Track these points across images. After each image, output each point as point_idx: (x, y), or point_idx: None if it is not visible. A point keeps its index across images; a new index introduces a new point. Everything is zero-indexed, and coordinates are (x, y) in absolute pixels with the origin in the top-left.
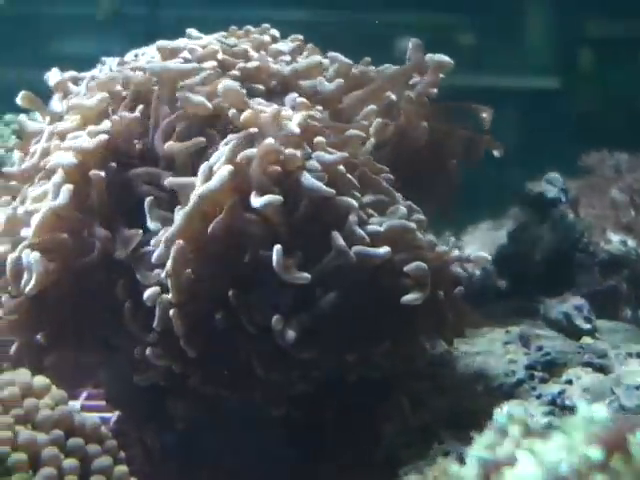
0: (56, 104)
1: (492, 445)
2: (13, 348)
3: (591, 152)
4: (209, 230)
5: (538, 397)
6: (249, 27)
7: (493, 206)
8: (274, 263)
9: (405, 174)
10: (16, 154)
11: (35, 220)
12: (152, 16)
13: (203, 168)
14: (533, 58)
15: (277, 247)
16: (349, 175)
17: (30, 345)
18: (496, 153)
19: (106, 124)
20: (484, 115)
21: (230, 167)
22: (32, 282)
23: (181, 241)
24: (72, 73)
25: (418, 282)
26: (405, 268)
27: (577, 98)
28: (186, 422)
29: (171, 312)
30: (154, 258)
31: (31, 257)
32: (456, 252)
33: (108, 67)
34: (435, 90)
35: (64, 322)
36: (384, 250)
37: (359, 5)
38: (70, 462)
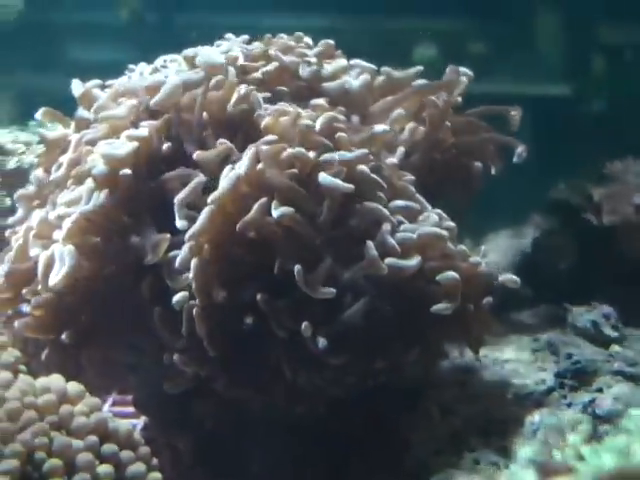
0: (82, 112)
1: (544, 450)
2: (44, 354)
3: (615, 160)
4: (237, 228)
5: (569, 405)
6: (282, 35)
7: (511, 213)
8: (297, 280)
9: (431, 181)
10: (36, 174)
11: (67, 224)
12: (172, 23)
13: (224, 173)
14: (548, 64)
15: (297, 267)
16: (373, 175)
17: (56, 346)
18: (521, 151)
19: (143, 130)
20: (513, 113)
21: (240, 172)
22: (63, 272)
23: (205, 245)
24: (97, 82)
25: (449, 292)
26: (437, 277)
27: (597, 104)
28: (214, 422)
29: (194, 312)
30: (177, 263)
31: (65, 249)
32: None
33: (138, 74)
34: (459, 99)
35: (90, 324)
36: (415, 261)
37: (376, 12)
38: (105, 468)
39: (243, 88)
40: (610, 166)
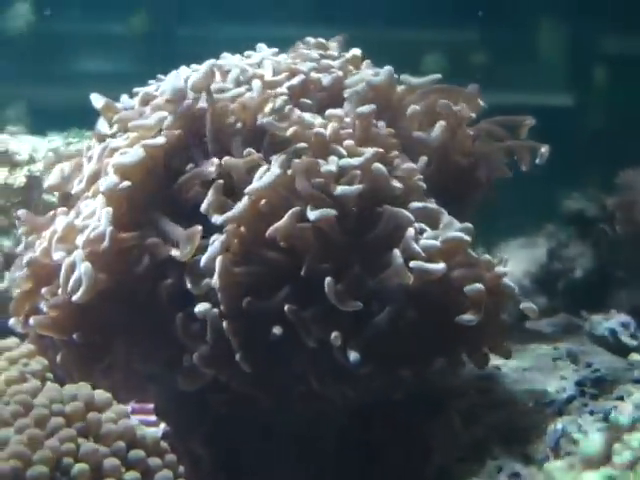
0: (102, 127)
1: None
2: (59, 357)
3: (628, 170)
4: (267, 233)
5: (590, 413)
6: (309, 39)
7: (520, 223)
8: (326, 292)
9: (446, 186)
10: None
11: (82, 239)
12: (174, 35)
13: (260, 172)
14: (552, 75)
15: (328, 279)
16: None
17: (71, 350)
18: (544, 151)
19: (160, 138)
20: (527, 122)
21: (279, 172)
22: (80, 292)
23: (235, 240)
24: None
25: (474, 303)
26: (465, 288)
27: (603, 115)
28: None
29: (224, 325)
30: (205, 258)
31: (82, 266)
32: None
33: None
34: (474, 115)
35: (107, 329)
36: (442, 265)
37: (386, 22)
38: (132, 474)
39: (279, 100)
40: (623, 175)
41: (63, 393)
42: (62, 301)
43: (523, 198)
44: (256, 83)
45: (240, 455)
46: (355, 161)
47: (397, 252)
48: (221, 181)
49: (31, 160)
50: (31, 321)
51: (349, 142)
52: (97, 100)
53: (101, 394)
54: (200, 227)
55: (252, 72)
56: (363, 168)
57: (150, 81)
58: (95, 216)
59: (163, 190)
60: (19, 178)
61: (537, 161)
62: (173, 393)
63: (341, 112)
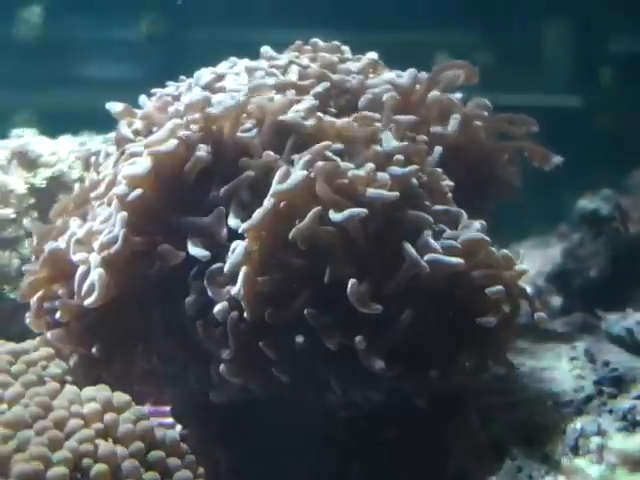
0: (124, 131)
1: None
2: (71, 362)
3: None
4: (290, 235)
5: (609, 413)
6: (317, 40)
7: (532, 223)
8: (349, 294)
9: (467, 182)
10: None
11: (98, 241)
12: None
13: (280, 174)
14: (557, 76)
15: (352, 281)
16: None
17: (83, 356)
18: (556, 160)
19: (168, 145)
20: (534, 129)
21: (305, 173)
22: (93, 297)
23: (255, 247)
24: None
25: (494, 305)
26: (487, 290)
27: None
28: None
29: (261, 344)
30: (229, 264)
31: (96, 273)
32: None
33: (186, 87)
34: (485, 113)
35: (120, 335)
36: (457, 259)
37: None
38: (151, 475)
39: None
40: (636, 174)
41: (82, 395)
42: (76, 305)
43: (534, 198)
44: (291, 92)
45: (257, 456)
46: (394, 172)
47: (408, 245)
48: (251, 173)
49: (54, 162)
50: (48, 335)
51: (399, 157)
52: (114, 106)
53: (120, 396)
54: (223, 208)
55: (283, 80)
56: (401, 180)
57: (168, 82)
58: (110, 221)
59: (179, 194)
60: (39, 180)
61: (546, 169)
62: (189, 395)
63: (373, 115)
